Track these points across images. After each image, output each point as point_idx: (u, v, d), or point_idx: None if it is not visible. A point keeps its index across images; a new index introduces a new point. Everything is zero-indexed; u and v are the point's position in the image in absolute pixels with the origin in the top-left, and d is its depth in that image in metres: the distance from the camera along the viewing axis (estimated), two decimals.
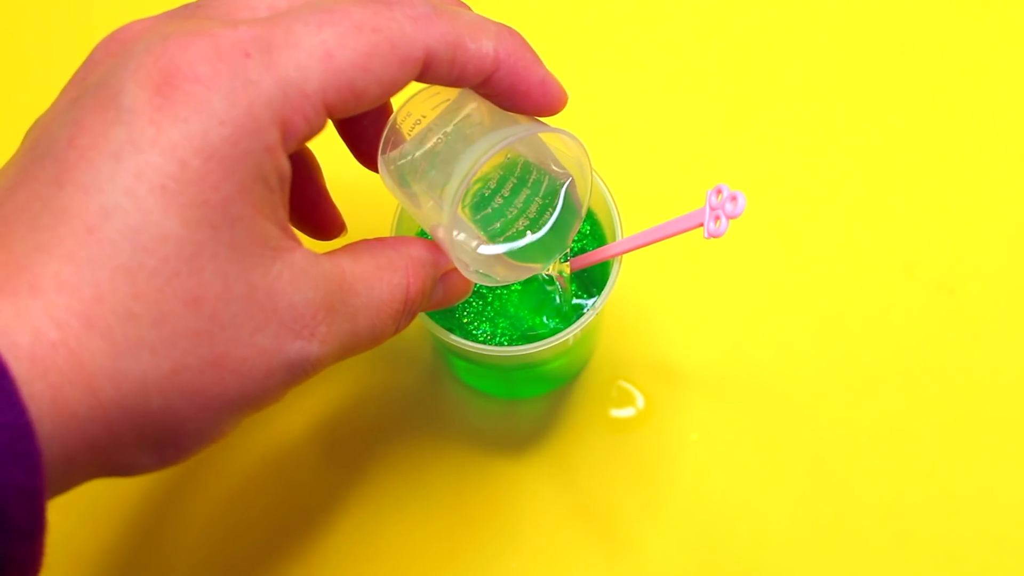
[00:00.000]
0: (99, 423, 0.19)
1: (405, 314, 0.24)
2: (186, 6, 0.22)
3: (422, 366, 0.41)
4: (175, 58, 0.19)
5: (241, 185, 0.20)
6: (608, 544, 0.38)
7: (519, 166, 0.28)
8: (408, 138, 0.26)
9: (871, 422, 0.40)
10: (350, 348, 0.23)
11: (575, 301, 0.34)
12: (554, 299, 0.33)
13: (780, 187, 0.43)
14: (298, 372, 0.21)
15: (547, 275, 0.31)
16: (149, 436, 0.20)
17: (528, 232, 0.28)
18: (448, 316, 0.34)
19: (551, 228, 0.28)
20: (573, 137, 0.26)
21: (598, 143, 0.42)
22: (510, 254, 0.28)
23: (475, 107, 0.26)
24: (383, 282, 0.24)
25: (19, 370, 0.18)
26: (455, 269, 0.26)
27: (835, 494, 0.39)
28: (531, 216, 0.28)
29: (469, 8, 0.25)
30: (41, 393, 0.18)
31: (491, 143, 0.24)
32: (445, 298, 0.27)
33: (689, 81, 0.45)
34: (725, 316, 0.41)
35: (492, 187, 0.28)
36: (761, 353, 0.41)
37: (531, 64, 0.24)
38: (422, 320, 0.31)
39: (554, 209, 0.28)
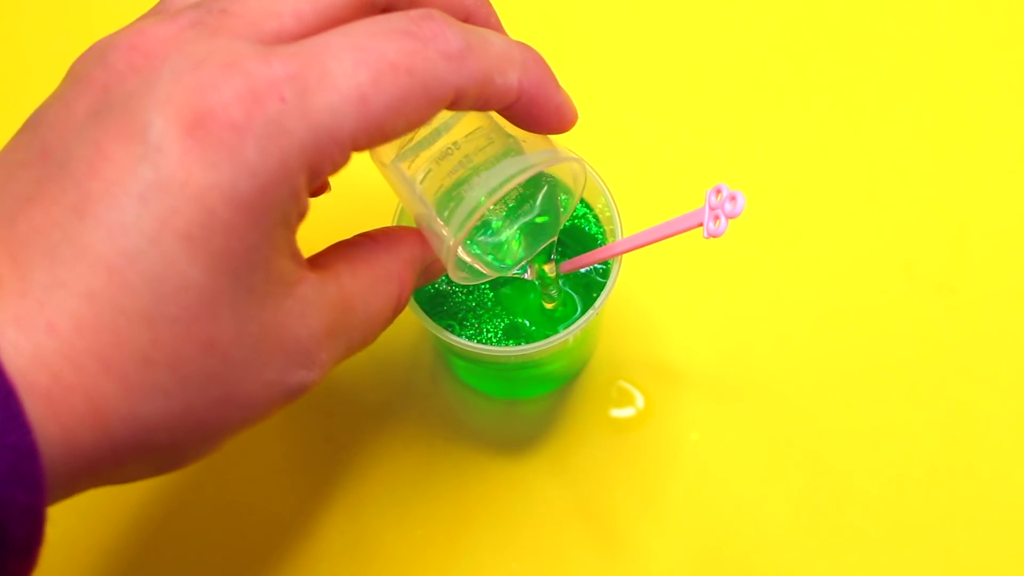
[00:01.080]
0: (106, 455, 0.19)
1: (394, 317, 0.25)
2: (208, 9, 0.21)
3: (422, 366, 0.41)
4: (208, 97, 0.19)
5: (264, 232, 0.19)
6: (608, 544, 0.38)
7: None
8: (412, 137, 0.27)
9: (871, 422, 0.40)
10: (343, 359, 0.23)
11: (572, 294, 0.34)
12: (544, 298, 0.33)
13: (780, 187, 0.43)
14: (295, 396, 0.22)
15: (527, 278, 0.31)
16: (152, 460, 0.20)
17: (506, 230, 0.28)
18: (446, 315, 0.34)
19: (531, 228, 0.29)
20: (580, 162, 0.27)
21: (598, 143, 0.42)
22: (493, 253, 0.28)
23: (488, 123, 0.26)
24: (379, 295, 0.24)
25: (34, 411, 0.18)
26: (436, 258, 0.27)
27: (835, 494, 0.39)
28: (509, 204, 0.28)
29: (497, 20, 0.25)
30: (53, 432, 0.18)
31: (501, 179, 0.25)
32: (424, 282, 0.27)
33: (689, 81, 0.45)
34: (725, 316, 0.41)
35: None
36: (761, 353, 0.41)
37: (551, 92, 0.24)
38: (422, 321, 0.31)
39: (533, 208, 0.29)
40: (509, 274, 0.30)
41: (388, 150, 0.27)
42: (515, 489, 0.39)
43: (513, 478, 0.39)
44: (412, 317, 0.32)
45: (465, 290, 0.34)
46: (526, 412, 0.40)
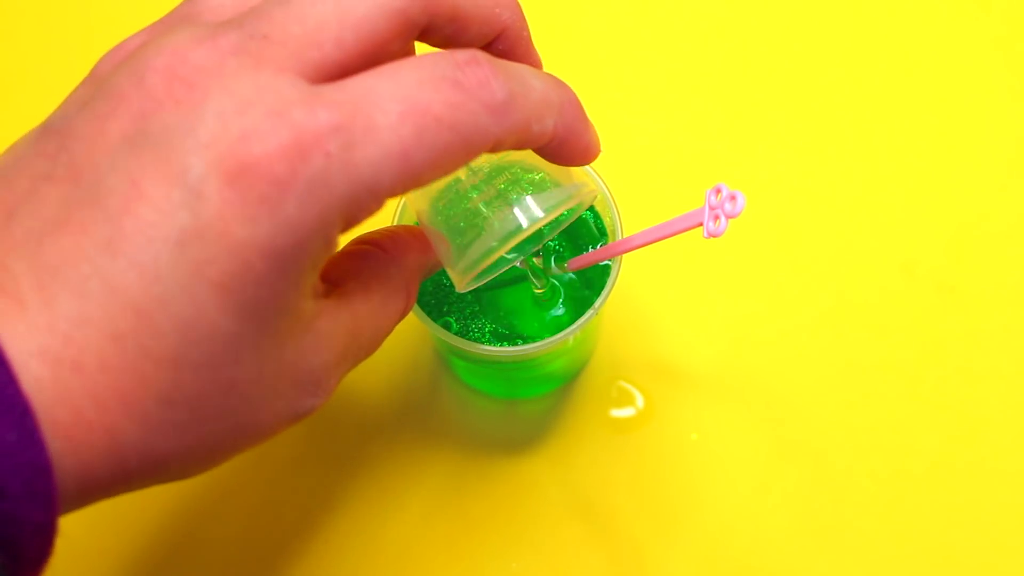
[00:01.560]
0: (119, 480, 0.19)
1: (398, 323, 0.26)
2: (250, 33, 0.20)
3: (422, 366, 0.41)
4: (253, 148, 0.18)
5: (295, 280, 0.19)
6: (608, 544, 0.38)
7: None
8: None
9: (871, 422, 0.40)
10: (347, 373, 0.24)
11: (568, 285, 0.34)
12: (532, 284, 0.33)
13: (780, 187, 0.43)
14: (302, 419, 0.23)
15: (518, 265, 0.31)
16: (160, 479, 0.21)
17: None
18: (445, 314, 0.34)
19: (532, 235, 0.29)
20: (597, 188, 0.27)
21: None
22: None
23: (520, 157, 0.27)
24: (388, 311, 0.25)
25: (53, 446, 0.18)
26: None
27: (835, 494, 0.39)
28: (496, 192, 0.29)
29: (529, 34, 0.25)
30: (69, 464, 0.18)
31: (515, 226, 0.25)
32: (426, 277, 0.28)
33: (689, 81, 0.45)
34: (725, 316, 0.41)
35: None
36: (761, 353, 0.41)
37: (581, 133, 0.24)
38: (422, 321, 0.31)
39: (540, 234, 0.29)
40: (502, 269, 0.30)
41: None
42: (515, 489, 0.39)
43: (513, 478, 0.39)
44: (412, 318, 0.32)
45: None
46: (526, 412, 0.40)
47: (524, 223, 0.26)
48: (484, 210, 0.26)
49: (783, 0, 0.47)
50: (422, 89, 0.20)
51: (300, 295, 0.20)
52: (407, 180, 0.20)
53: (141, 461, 0.19)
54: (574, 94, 0.24)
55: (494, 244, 0.25)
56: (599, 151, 0.25)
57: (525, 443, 0.40)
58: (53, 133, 0.20)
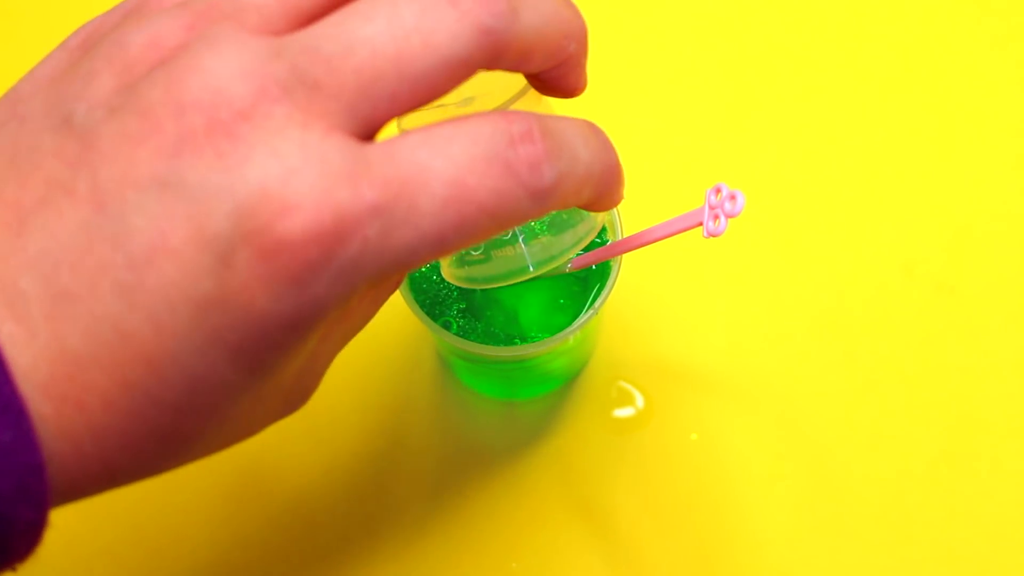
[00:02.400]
0: (107, 489, 0.20)
1: None
2: (302, 74, 0.18)
3: (422, 367, 0.41)
4: (291, 226, 0.17)
5: (308, 339, 0.19)
6: (608, 544, 0.38)
7: None
8: None
9: (871, 422, 0.40)
10: None
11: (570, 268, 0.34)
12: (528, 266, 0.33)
13: (780, 187, 0.43)
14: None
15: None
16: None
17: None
18: (444, 314, 0.34)
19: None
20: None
21: None
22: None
23: None
24: (379, 301, 0.24)
25: (49, 472, 0.18)
26: None
27: (835, 494, 0.39)
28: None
29: (584, 82, 0.24)
30: (62, 486, 0.19)
31: (526, 267, 0.25)
32: None
33: (689, 81, 0.45)
34: (725, 316, 0.41)
35: None
36: (761, 353, 0.41)
37: (613, 197, 0.24)
38: (422, 321, 0.31)
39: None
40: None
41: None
42: (515, 489, 0.39)
43: (513, 478, 0.39)
44: (412, 318, 0.32)
45: (461, 288, 0.34)
46: (526, 412, 0.40)
47: (532, 268, 0.25)
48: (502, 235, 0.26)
49: (783, 0, 0.47)
50: (472, 172, 0.19)
51: (310, 342, 0.20)
52: (435, 257, 0.19)
53: (131, 479, 0.20)
54: (615, 156, 0.23)
55: (495, 274, 0.25)
56: (621, 200, 0.24)
57: (525, 443, 0.40)
58: (73, 133, 0.19)
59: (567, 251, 0.27)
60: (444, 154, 0.19)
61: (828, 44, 0.46)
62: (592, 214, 0.28)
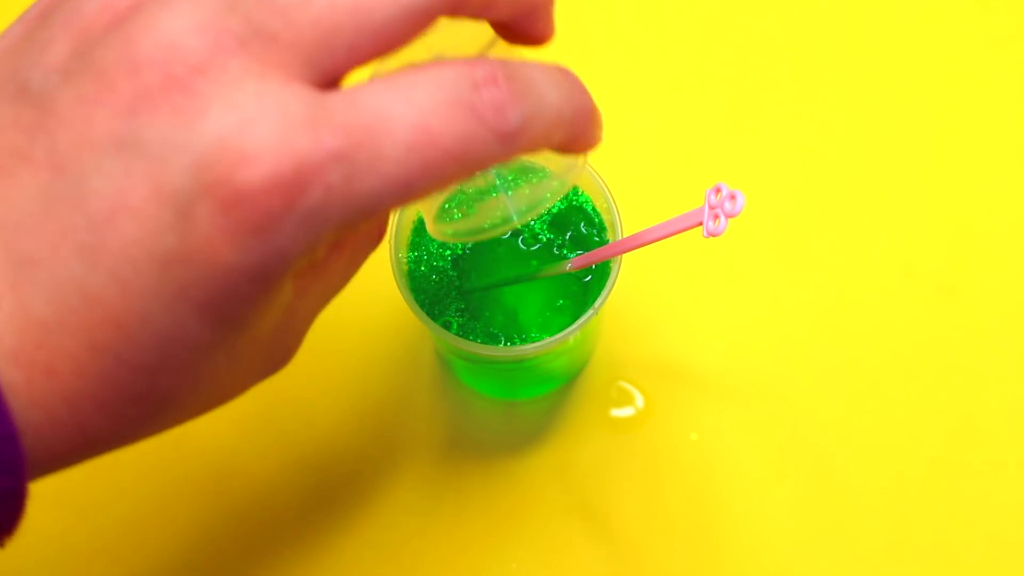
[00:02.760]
0: (87, 458, 0.20)
1: None
2: (256, 29, 0.18)
3: (422, 367, 0.41)
4: (251, 176, 0.17)
5: (279, 289, 0.19)
6: (608, 544, 0.38)
7: None
8: None
9: (871, 422, 0.40)
10: None
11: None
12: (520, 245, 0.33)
13: (780, 187, 0.43)
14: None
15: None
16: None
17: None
18: (444, 314, 0.34)
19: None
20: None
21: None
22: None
23: None
24: (359, 258, 0.24)
25: (24, 442, 0.18)
26: None
27: (835, 494, 0.39)
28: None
29: (552, 29, 0.24)
30: (40, 457, 0.18)
31: (511, 217, 0.25)
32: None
33: (689, 81, 0.45)
34: (725, 316, 0.41)
35: None
36: (761, 353, 0.41)
37: (587, 138, 0.23)
38: (422, 321, 0.31)
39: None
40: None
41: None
42: (515, 489, 0.39)
43: (513, 478, 0.39)
44: (412, 318, 0.32)
45: (461, 288, 0.34)
46: (526, 412, 0.40)
47: (515, 217, 0.25)
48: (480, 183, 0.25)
49: (783, 0, 0.47)
50: (436, 116, 0.19)
51: (281, 293, 0.20)
52: (403, 203, 0.19)
53: (111, 445, 0.19)
54: (587, 98, 0.23)
55: (480, 226, 0.25)
56: (599, 142, 0.24)
57: (525, 443, 0.40)
58: (29, 100, 0.19)
59: (549, 198, 0.26)
60: (407, 99, 0.18)
61: (828, 44, 0.46)
62: (572, 160, 0.27)
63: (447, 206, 0.28)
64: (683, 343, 0.41)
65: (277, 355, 0.22)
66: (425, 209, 0.27)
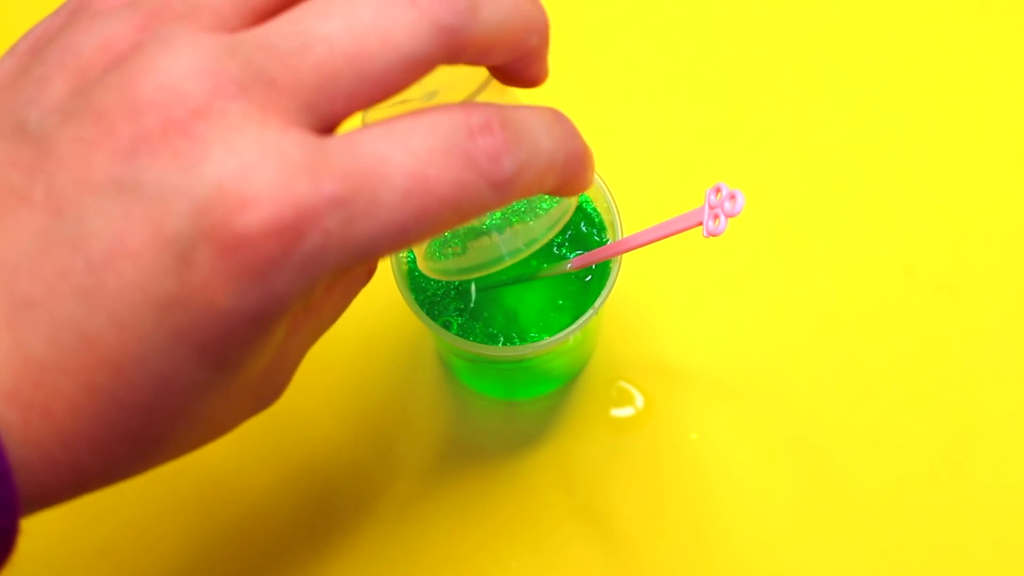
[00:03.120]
0: (78, 495, 0.20)
1: None
2: (257, 73, 0.18)
3: (422, 367, 0.41)
4: (250, 222, 0.17)
5: (275, 331, 0.19)
6: (608, 544, 0.38)
7: None
8: None
9: (871, 422, 0.40)
10: None
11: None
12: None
13: (780, 187, 0.43)
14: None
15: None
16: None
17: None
18: (444, 314, 0.34)
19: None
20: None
21: (598, 143, 0.42)
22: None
23: None
24: (350, 295, 0.24)
25: (18, 480, 0.18)
26: None
27: (835, 494, 0.39)
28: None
29: (545, 72, 0.24)
30: (33, 494, 0.18)
31: (501, 256, 0.26)
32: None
33: (688, 81, 0.45)
34: (725, 316, 0.41)
35: None
36: (761, 353, 0.41)
37: (579, 183, 0.23)
38: (422, 321, 0.31)
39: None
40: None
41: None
42: (515, 489, 0.39)
43: (513, 478, 0.39)
44: (412, 318, 0.32)
45: (461, 288, 0.34)
46: (526, 412, 0.40)
47: (507, 257, 0.26)
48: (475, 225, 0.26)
49: (783, 0, 0.47)
50: (432, 164, 0.19)
51: (276, 335, 0.20)
52: (398, 248, 0.19)
53: (103, 483, 0.20)
54: (580, 142, 0.23)
55: (470, 265, 0.25)
56: (590, 185, 0.24)
57: (525, 443, 0.40)
58: (27, 139, 0.19)
59: (541, 237, 0.26)
60: (404, 146, 0.19)
61: (828, 44, 0.46)
62: (564, 198, 0.27)
63: (439, 243, 0.28)
64: (683, 343, 0.41)
65: (267, 393, 0.22)
66: (416, 246, 0.27)
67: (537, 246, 0.27)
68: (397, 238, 0.19)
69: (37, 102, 0.19)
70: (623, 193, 0.33)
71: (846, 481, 0.39)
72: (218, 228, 0.17)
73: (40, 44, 0.20)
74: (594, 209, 0.34)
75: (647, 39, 0.46)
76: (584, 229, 0.34)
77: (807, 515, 0.39)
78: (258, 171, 0.17)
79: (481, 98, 0.25)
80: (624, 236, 0.32)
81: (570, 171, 0.22)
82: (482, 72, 0.24)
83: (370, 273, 0.25)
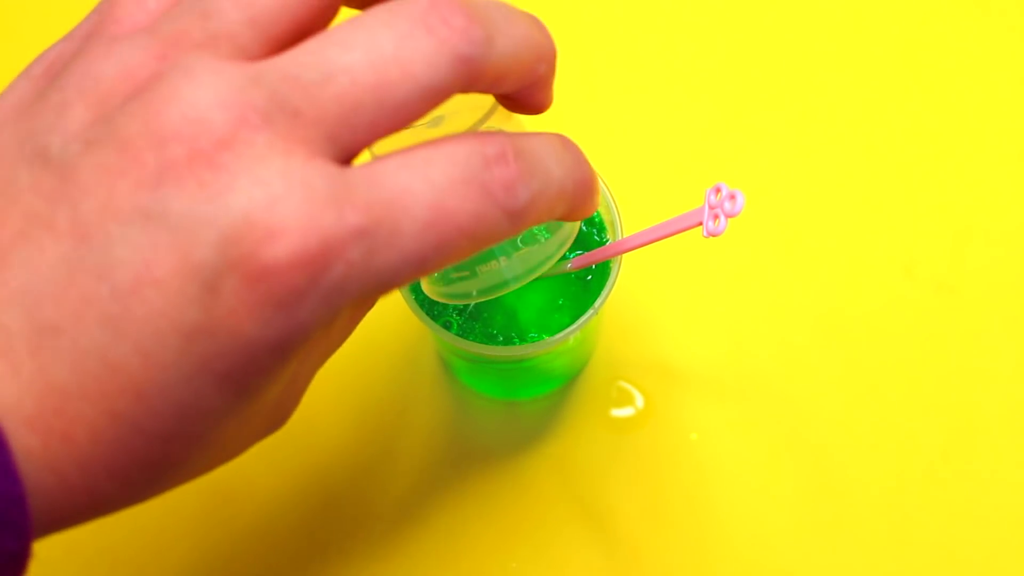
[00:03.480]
0: (95, 518, 0.20)
1: None
2: (282, 102, 0.18)
3: (422, 367, 0.41)
4: (276, 253, 0.17)
5: (292, 360, 0.19)
6: (608, 544, 0.38)
7: None
8: None
9: (871, 422, 0.40)
10: None
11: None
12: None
13: (780, 187, 0.43)
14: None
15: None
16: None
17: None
18: (444, 314, 0.34)
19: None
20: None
21: (598, 143, 0.42)
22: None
23: None
24: (357, 319, 0.24)
25: (34, 504, 0.18)
26: None
27: (835, 494, 0.39)
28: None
29: (550, 99, 0.24)
30: (46, 520, 0.19)
31: (505, 282, 0.26)
32: None
33: (688, 81, 0.45)
34: (725, 316, 0.41)
35: None
36: (761, 353, 0.41)
37: (586, 211, 0.24)
38: (422, 321, 0.31)
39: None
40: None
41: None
42: (515, 489, 0.39)
43: (513, 478, 0.39)
44: (412, 318, 0.32)
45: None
46: (526, 412, 0.40)
47: (512, 282, 0.26)
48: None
49: (783, 0, 0.47)
50: (452, 194, 0.19)
51: (294, 363, 0.20)
52: (417, 277, 0.19)
53: (115, 507, 0.20)
54: (588, 169, 0.23)
55: (478, 290, 0.26)
56: (596, 210, 0.25)
57: (525, 443, 0.40)
58: (50, 166, 0.19)
59: (545, 262, 0.27)
60: (424, 177, 0.19)
61: (828, 44, 0.46)
62: (568, 223, 0.28)
63: (448, 268, 0.28)
64: (683, 343, 0.41)
65: (277, 416, 0.22)
66: None
67: (540, 271, 0.27)
68: (417, 267, 0.19)
69: (57, 129, 0.19)
70: (623, 193, 0.33)
71: (846, 481, 0.39)
72: (245, 258, 0.17)
73: (55, 68, 0.20)
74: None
75: (647, 39, 0.46)
76: (584, 229, 0.34)
77: (807, 515, 0.39)
78: (284, 202, 0.18)
79: (488, 124, 0.25)
80: (624, 236, 0.32)
81: (578, 197, 0.23)
82: (488, 98, 0.24)
83: (376, 298, 0.25)
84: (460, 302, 0.29)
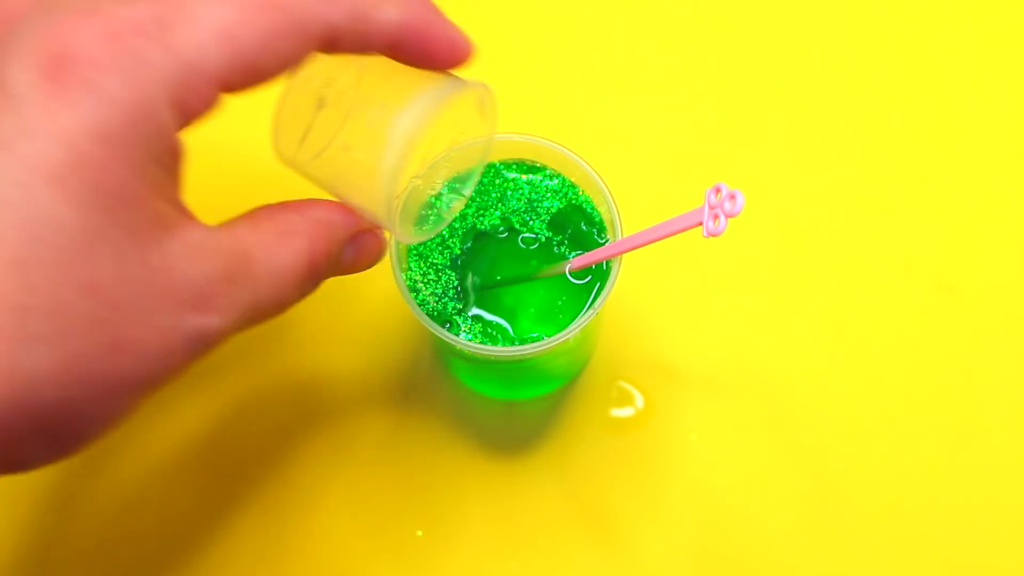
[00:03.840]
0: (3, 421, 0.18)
1: (310, 279, 0.24)
2: None
3: (422, 367, 0.41)
4: (66, 39, 0.18)
5: (135, 167, 0.19)
6: (608, 544, 0.38)
7: None
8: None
9: (871, 422, 0.40)
10: (253, 318, 0.22)
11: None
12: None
13: (780, 187, 0.43)
14: (199, 347, 0.21)
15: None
16: (46, 428, 0.19)
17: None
18: (442, 315, 0.34)
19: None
20: (481, 85, 0.26)
21: (598, 143, 0.42)
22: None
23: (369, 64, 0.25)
24: (285, 248, 0.23)
25: None
26: (367, 230, 0.25)
27: (835, 494, 0.39)
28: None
29: (459, 38, 0.24)
30: None
31: (419, 112, 0.24)
32: (356, 261, 0.26)
33: (688, 81, 0.45)
34: (725, 316, 0.41)
35: None
36: (761, 353, 0.41)
37: (437, 25, 0.23)
38: (422, 321, 0.31)
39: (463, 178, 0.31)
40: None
41: (288, 146, 0.25)
42: (515, 489, 0.39)
43: (513, 478, 0.39)
44: (413, 318, 0.32)
45: (460, 288, 0.34)
46: (526, 412, 0.40)
47: (425, 104, 0.24)
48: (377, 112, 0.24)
49: (783, 0, 0.47)
50: None
51: (150, 190, 0.19)
52: (238, 63, 0.19)
53: (7, 384, 0.18)
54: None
55: (393, 160, 0.24)
56: (470, 47, 0.24)
57: (525, 443, 0.40)
58: None
59: (447, 96, 0.24)
60: None
61: (828, 44, 0.46)
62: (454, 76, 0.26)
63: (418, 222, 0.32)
64: (683, 343, 0.41)
65: (185, 295, 0.20)
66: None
67: (475, 180, 0.30)
68: (227, 40, 0.20)
69: None
70: (623, 193, 0.33)
71: (846, 480, 0.39)
72: (41, 57, 0.18)
73: None
74: (594, 209, 0.34)
75: (647, 39, 0.46)
76: (584, 229, 0.34)
77: (807, 515, 0.39)
78: (68, 12, 0.19)
79: (410, 97, 0.24)
80: (624, 236, 0.32)
81: (415, 6, 0.23)
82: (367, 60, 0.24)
83: (313, 239, 0.24)
84: (430, 236, 0.32)
